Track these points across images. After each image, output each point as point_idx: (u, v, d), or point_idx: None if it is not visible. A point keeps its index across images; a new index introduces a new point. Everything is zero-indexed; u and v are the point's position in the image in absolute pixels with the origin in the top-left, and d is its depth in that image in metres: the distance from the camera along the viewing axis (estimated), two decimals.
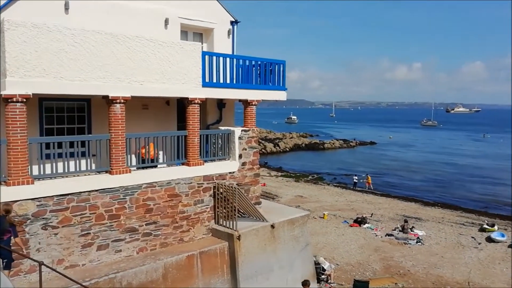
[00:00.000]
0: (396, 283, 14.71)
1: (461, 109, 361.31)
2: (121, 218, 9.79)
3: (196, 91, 11.03)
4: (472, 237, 20.89)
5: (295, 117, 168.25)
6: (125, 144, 9.92)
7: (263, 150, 61.63)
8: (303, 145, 71.73)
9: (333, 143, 73.92)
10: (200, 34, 13.78)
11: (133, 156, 10.58)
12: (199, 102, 11.20)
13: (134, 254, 10.05)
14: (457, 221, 24.61)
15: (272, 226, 11.78)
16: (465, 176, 44.99)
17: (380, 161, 55.46)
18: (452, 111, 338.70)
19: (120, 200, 9.77)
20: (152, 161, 10.84)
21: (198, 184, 11.24)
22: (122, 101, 9.71)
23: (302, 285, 10.66)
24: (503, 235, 20.85)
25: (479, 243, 19.92)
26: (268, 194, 30.06)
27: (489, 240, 20.44)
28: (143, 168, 10.62)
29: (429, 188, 38.11)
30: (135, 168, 10.46)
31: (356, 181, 36.65)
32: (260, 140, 67.29)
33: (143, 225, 10.19)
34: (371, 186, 35.93)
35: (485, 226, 22.48)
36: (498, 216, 27.33)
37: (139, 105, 11.68)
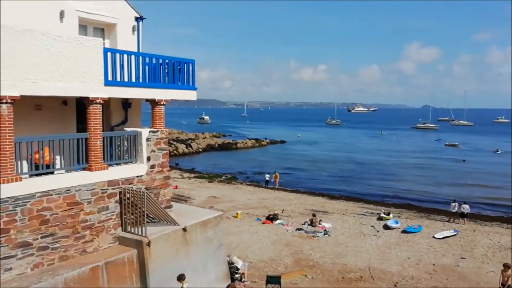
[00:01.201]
0: (306, 275, 15.40)
1: (361, 108, 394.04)
2: (11, 233, 8.70)
3: (98, 90, 10.26)
4: (372, 226, 22.81)
5: (207, 117, 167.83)
6: (14, 149, 8.83)
7: (174, 151, 60.24)
8: (216, 145, 71.81)
9: (245, 143, 75.25)
10: (101, 29, 12.88)
11: (24, 162, 9.47)
12: (101, 102, 10.44)
13: (28, 271, 9.01)
14: (359, 212, 26.68)
15: (184, 230, 11.49)
16: (365, 170, 49.14)
17: (290, 159, 57.98)
18: (353, 111, 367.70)
19: (10, 212, 8.68)
20: (48, 167, 9.81)
21: (102, 190, 10.47)
22: (9, 101, 8.62)
23: None
24: (397, 222, 23.14)
25: (378, 231, 21.82)
26: (181, 196, 29.43)
27: (386, 227, 22.52)
28: (36, 175, 9.55)
29: (334, 183, 40.88)
30: (27, 175, 9.38)
31: (268, 179, 37.75)
32: (171, 141, 65.61)
33: (38, 238, 9.18)
34: (278, 183, 37.21)
35: (382, 215, 24.70)
36: (393, 205, 30.28)
37: (31, 106, 10.50)
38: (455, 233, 21.42)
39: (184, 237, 11.51)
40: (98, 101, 10.30)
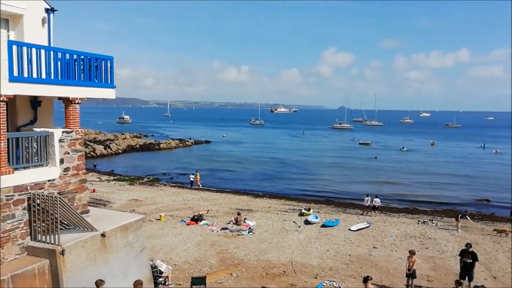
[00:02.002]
0: (231, 274, 15.51)
1: (283, 109, 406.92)
2: None
3: (2, 87, 9.27)
4: (294, 222, 23.71)
5: (127, 116, 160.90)
6: None
7: (91, 153, 56.81)
8: (137, 146, 69.08)
9: (169, 143, 73.48)
10: (5, 20, 11.65)
11: None
12: (6, 99, 9.45)
13: None
14: (281, 209, 27.58)
15: (103, 235, 10.88)
16: (287, 168, 50.92)
17: (215, 159, 57.94)
18: (276, 111, 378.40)
19: None
20: None
21: (7, 196, 9.48)
22: None
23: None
24: (317, 217, 24.37)
25: (299, 226, 22.76)
26: (99, 200, 27.84)
27: (307, 222, 23.58)
28: None
29: (258, 181, 41.77)
30: None
31: (193, 179, 37.31)
32: (88, 142, 61.82)
33: None
34: (200, 183, 36.92)
35: (303, 211, 25.82)
36: (313, 201, 31.84)
37: None
38: (368, 225, 23.17)
39: (103, 243, 10.90)
40: (1, 98, 9.30)
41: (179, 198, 30.56)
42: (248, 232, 21.13)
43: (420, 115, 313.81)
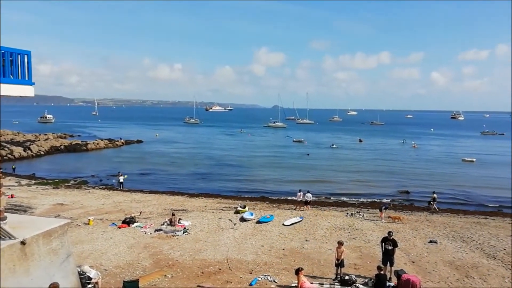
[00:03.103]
0: (165, 275, 15.20)
1: (218, 108, 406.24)
2: None
3: None
4: (229, 220, 23.84)
5: (50, 115, 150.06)
6: None
7: (8, 155, 52.12)
8: (62, 147, 64.68)
9: (97, 143, 69.77)
10: None
11: None
12: None
13: None
14: (217, 208, 27.57)
15: (23, 243, 10.07)
16: (223, 166, 50.95)
17: (148, 159, 56.19)
18: (211, 110, 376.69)
19: None
20: None
21: None
22: None
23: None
24: (252, 214, 24.74)
25: (235, 224, 22.94)
26: (18, 206, 25.73)
27: (242, 220, 23.85)
28: None
29: (194, 181, 41.31)
30: None
31: (122, 181, 35.85)
32: (4, 144, 56.67)
33: None
34: (122, 185, 35.58)
35: (239, 208, 26.08)
36: (249, 198, 32.25)
37: None
38: (301, 219, 24.03)
39: (23, 251, 10.08)
40: None
41: (109, 200, 29.21)
42: (183, 232, 20.85)
43: (348, 113, 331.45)
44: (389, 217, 24.84)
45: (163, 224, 22.24)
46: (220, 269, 15.97)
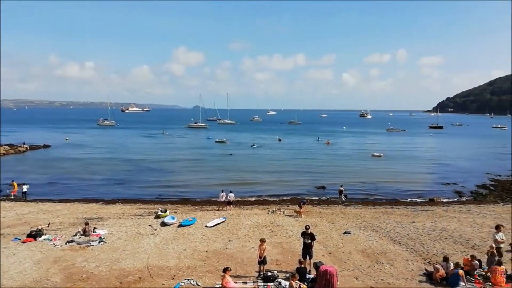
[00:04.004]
0: None
1: (135, 108, 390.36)
2: None
3: None
4: (150, 225, 22.92)
5: None
6: None
7: None
8: None
9: None
10: None
11: None
12: None
13: None
14: (136, 213, 26.34)
15: None
16: (141, 170, 48.91)
17: (57, 165, 51.77)
18: (127, 111, 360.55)
19: None
20: None
21: None
22: None
23: None
24: (173, 218, 24.07)
25: (155, 229, 22.11)
26: None
27: (163, 224, 23.07)
28: None
29: (110, 186, 39.00)
30: None
31: (26, 190, 32.61)
32: None
33: None
34: (15, 194, 32.56)
35: (160, 213, 25.18)
36: (170, 202, 31.36)
37: None
38: (224, 219, 24.01)
39: None
40: None
41: (11, 213, 26.29)
42: (99, 242, 19.54)
43: (268, 113, 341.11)
44: (295, 211, 26.00)
45: (76, 235, 20.61)
46: (140, 278, 15.25)
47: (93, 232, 20.88)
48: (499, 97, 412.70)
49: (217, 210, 27.27)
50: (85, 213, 26.34)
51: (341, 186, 32.90)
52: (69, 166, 50.88)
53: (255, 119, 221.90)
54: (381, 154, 65.26)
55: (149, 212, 26.54)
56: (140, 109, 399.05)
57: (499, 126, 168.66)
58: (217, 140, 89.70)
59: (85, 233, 20.60)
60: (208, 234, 21.18)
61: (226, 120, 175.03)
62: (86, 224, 21.37)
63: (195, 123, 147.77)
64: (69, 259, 17.20)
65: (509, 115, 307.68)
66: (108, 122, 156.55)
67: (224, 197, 27.68)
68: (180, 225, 22.82)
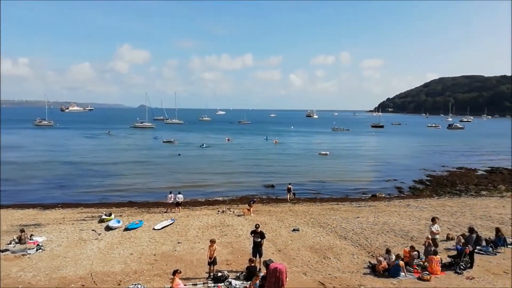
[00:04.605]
0: None
1: (76, 108, 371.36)
2: None
3: None
4: (93, 230, 21.86)
5: None
6: None
7: None
8: None
9: None
10: None
11: None
12: None
13: None
14: (78, 218, 25.01)
15: None
16: (83, 172, 46.54)
17: None
18: (67, 110, 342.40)
19: None
20: None
21: None
22: None
23: None
24: (119, 221, 23.13)
25: (99, 234, 21.13)
26: None
27: (108, 228, 22.11)
28: None
29: (48, 190, 36.66)
30: None
31: None
32: None
33: None
34: None
35: (104, 216, 24.11)
36: (114, 204, 30.12)
37: None
38: (172, 221, 23.50)
39: None
40: None
41: None
42: (37, 250, 18.29)
43: (217, 113, 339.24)
44: (246, 208, 26.18)
45: (10, 243, 19.15)
46: (83, 285, 14.48)
47: (30, 239, 19.53)
48: (433, 98, 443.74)
49: (165, 212, 26.65)
50: (21, 220, 24.56)
51: (289, 184, 33.55)
52: (3, 170, 47.14)
53: (204, 118, 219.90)
54: (328, 153, 67.40)
55: (93, 216, 25.33)
56: (82, 109, 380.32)
57: (433, 125, 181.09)
58: (164, 140, 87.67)
59: (20, 241, 19.22)
60: (156, 237, 20.61)
61: (173, 120, 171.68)
62: (22, 231, 19.95)
63: (141, 123, 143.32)
64: (2, 270, 15.92)
65: (442, 115, 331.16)
66: (46, 122, 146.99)
67: (172, 199, 27.10)
68: (126, 229, 22.00)
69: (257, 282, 13.12)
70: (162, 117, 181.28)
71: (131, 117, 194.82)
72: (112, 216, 24.40)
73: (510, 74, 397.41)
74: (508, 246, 18.54)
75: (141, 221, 23.48)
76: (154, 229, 22.04)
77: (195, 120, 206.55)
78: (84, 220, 24.54)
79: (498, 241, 18.42)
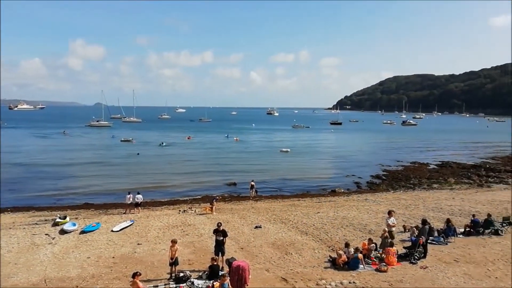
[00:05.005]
0: None
1: (25, 106, 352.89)
2: None
3: None
4: (46, 234, 20.81)
5: None
6: None
7: None
8: None
9: None
10: None
11: None
12: None
13: None
14: (30, 222, 23.72)
15: None
16: (35, 173, 44.24)
17: None
18: (16, 108, 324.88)
19: None
20: None
21: None
22: None
23: None
24: (74, 224, 22.16)
25: (53, 238, 20.14)
26: None
27: (63, 232, 21.13)
28: None
29: None
30: None
31: None
32: None
33: None
34: None
35: (58, 220, 22.98)
36: (69, 207, 28.87)
37: None
38: (132, 222, 22.84)
39: None
40: None
41: None
42: None
43: (177, 111, 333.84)
44: (208, 208, 25.99)
45: None
46: None
47: None
48: (388, 96, 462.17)
49: (124, 213, 25.86)
50: None
51: (252, 180, 33.66)
52: None
53: (163, 116, 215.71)
54: (289, 150, 68.30)
55: (46, 220, 24.11)
56: (32, 107, 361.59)
57: (388, 122, 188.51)
58: (122, 139, 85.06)
59: None
60: (114, 239, 19.96)
61: (131, 118, 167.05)
62: None
63: (98, 121, 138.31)
64: None
65: (397, 112, 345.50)
66: None
67: (131, 199, 26.34)
68: (83, 232, 21.14)
69: (226, 281, 13.03)
70: (119, 115, 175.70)
71: (87, 116, 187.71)
72: (67, 219, 23.33)
73: (457, 73, 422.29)
74: (458, 235, 19.66)
75: (98, 223, 22.64)
76: (112, 231, 21.32)
77: (154, 118, 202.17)
78: (36, 224, 23.30)
79: (449, 231, 19.47)
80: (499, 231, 20.15)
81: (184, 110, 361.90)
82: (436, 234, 19.19)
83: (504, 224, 20.81)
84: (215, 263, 14.68)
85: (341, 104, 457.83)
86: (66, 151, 65.63)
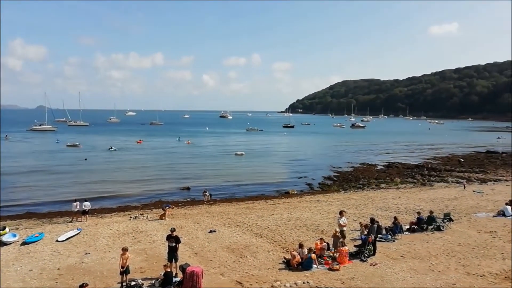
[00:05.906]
0: None
1: None
2: None
3: None
4: None
5: None
6: None
7: None
8: None
9: None
10: None
11: None
12: None
13: None
14: None
15: None
16: None
17: None
18: None
19: None
20: None
21: None
22: None
23: None
24: (15, 235, 20.68)
25: None
26: None
27: (2, 244, 19.65)
28: None
29: None
30: None
31: None
32: None
33: None
34: None
35: None
36: (9, 217, 26.93)
37: None
38: (79, 231, 21.72)
39: None
40: None
41: None
42: None
43: (126, 114, 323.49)
44: (161, 214, 25.35)
45: None
46: None
47: None
48: (338, 100, 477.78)
49: (71, 222, 24.56)
50: None
51: (205, 190, 33.07)
52: None
53: (112, 120, 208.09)
54: (243, 153, 68.46)
55: None
56: None
57: (338, 124, 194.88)
58: (68, 144, 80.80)
59: None
60: (60, 249, 18.86)
61: (78, 122, 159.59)
62: None
63: (40, 125, 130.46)
64: None
65: (346, 115, 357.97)
66: None
67: (78, 207, 25.07)
68: (24, 243, 19.78)
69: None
70: (64, 119, 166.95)
71: (28, 119, 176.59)
72: (6, 229, 21.66)
73: (401, 79, 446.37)
74: (404, 232, 20.65)
75: (41, 233, 21.29)
76: (57, 241, 20.14)
77: (103, 122, 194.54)
78: None
79: (396, 228, 20.41)
80: (441, 227, 21.41)
81: (134, 113, 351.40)
82: (384, 232, 20.02)
83: (445, 220, 22.14)
84: (169, 270, 14.31)
85: (293, 108, 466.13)
86: (4, 158, 61.14)
